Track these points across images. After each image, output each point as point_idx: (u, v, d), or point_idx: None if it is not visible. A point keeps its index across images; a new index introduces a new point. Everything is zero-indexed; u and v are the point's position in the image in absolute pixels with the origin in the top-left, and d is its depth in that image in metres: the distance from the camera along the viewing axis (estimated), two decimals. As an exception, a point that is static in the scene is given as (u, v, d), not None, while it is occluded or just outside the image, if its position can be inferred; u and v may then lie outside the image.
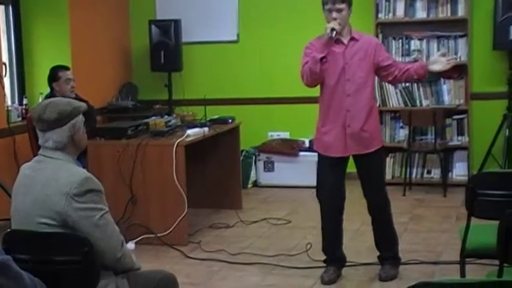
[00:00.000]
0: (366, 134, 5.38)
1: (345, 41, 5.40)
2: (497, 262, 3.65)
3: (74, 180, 3.34)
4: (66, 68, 7.13)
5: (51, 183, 3.36)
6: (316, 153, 5.55)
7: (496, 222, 3.64)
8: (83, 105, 3.59)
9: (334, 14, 5.25)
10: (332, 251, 5.62)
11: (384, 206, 5.61)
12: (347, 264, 5.68)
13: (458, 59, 8.42)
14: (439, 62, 5.40)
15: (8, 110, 7.45)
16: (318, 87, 5.47)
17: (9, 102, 7.64)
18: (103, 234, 3.36)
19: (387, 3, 8.62)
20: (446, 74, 7.77)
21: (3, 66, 7.44)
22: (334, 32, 5.19)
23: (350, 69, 5.34)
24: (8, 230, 3.42)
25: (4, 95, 7.36)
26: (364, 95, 5.39)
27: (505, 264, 3.61)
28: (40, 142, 3.53)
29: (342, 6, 5.28)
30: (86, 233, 3.30)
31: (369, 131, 5.40)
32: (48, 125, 3.48)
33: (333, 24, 5.20)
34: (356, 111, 5.35)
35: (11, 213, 3.54)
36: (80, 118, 3.52)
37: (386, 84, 8.27)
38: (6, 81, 7.59)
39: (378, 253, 5.70)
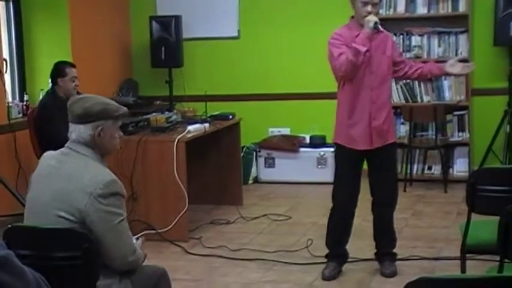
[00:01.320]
0: (385, 126, 5.43)
1: None
2: (497, 258, 3.65)
3: (100, 180, 3.35)
4: (73, 66, 7.10)
5: (75, 178, 3.36)
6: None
7: (497, 218, 3.65)
8: (120, 110, 3.56)
9: (370, 8, 5.23)
10: (336, 247, 5.62)
11: (390, 203, 5.63)
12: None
13: (459, 55, 8.42)
14: (457, 66, 5.47)
15: (8, 106, 7.44)
16: (333, 82, 5.48)
17: (9, 99, 7.64)
18: (117, 240, 3.37)
19: (388, -1, 8.64)
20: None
21: (4, 63, 7.44)
22: (377, 25, 5.18)
23: (374, 62, 5.32)
24: (9, 225, 3.43)
25: (5, 91, 7.36)
26: (386, 88, 5.46)
27: (506, 260, 3.62)
28: (69, 132, 3.52)
29: (377, 0, 5.32)
30: (101, 235, 3.31)
31: (388, 124, 5.46)
32: (72, 118, 3.49)
33: (375, 18, 5.18)
34: (380, 104, 5.38)
35: (26, 201, 3.54)
36: (110, 122, 3.50)
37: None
38: (7, 77, 7.60)
39: (375, 250, 5.70)
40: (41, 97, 7.32)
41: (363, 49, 5.12)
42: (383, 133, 5.43)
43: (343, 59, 5.15)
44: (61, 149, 3.54)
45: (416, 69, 5.57)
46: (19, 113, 7.60)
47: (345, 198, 5.50)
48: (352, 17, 5.42)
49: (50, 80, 7.03)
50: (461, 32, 8.52)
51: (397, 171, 6.03)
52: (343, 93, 5.44)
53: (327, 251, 5.68)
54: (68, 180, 3.37)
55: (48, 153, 3.61)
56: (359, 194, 5.54)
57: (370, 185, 5.59)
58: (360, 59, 5.14)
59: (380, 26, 5.19)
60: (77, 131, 3.48)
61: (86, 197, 3.31)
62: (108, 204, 3.34)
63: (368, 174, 5.59)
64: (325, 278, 5.51)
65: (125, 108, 3.62)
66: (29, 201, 3.51)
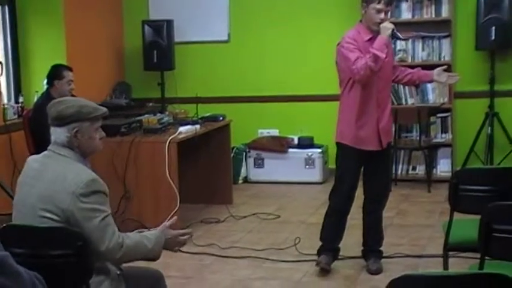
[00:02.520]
0: (388, 127, 5.51)
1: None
2: (478, 255, 3.67)
3: (81, 180, 3.35)
4: (70, 69, 7.09)
5: (58, 180, 3.37)
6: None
7: (478, 217, 3.67)
8: (96, 112, 3.54)
9: (383, 15, 5.24)
10: (331, 242, 5.62)
11: (382, 201, 5.67)
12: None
13: (442, 59, 8.47)
14: (443, 75, 5.53)
15: (4, 108, 7.43)
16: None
17: (5, 100, 7.62)
18: (102, 236, 3.36)
19: (374, 5, 8.64)
20: None
21: (0, 65, 7.42)
22: (395, 31, 5.23)
23: (383, 66, 5.32)
24: (4, 224, 3.43)
25: (0, 93, 7.34)
26: (388, 90, 5.57)
27: (486, 257, 3.64)
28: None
29: (390, 8, 5.34)
30: (87, 232, 3.30)
31: (390, 124, 5.55)
32: (50, 121, 3.51)
33: (392, 25, 5.19)
34: (384, 106, 5.43)
35: (13, 204, 3.54)
36: (87, 124, 3.49)
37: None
38: (3, 79, 7.58)
39: (362, 247, 5.72)
40: (35, 99, 7.30)
41: (383, 55, 5.09)
42: (388, 133, 5.52)
43: (362, 63, 5.09)
44: (44, 152, 3.55)
45: (407, 75, 5.64)
46: (14, 114, 7.58)
47: (345, 197, 5.51)
48: (360, 20, 5.42)
49: (45, 82, 7.00)
50: (444, 37, 8.55)
51: (391, 169, 6.05)
52: (350, 95, 5.39)
53: (314, 248, 5.69)
54: (51, 182, 3.37)
55: (32, 157, 3.63)
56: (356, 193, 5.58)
57: (365, 184, 5.62)
58: (379, 65, 5.12)
59: (398, 33, 5.21)
60: (55, 133, 3.49)
61: (68, 196, 3.31)
62: (90, 202, 3.34)
63: (364, 173, 5.62)
64: (323, 266, 5.51)
65: (103, 109, 3.59)
66: (16, 204, 3.52)
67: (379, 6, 5.21)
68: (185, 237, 3.73)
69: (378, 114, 5.40)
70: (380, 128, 5.40)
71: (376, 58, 5.06)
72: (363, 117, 5.39)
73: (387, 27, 5.17)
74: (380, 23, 5.20)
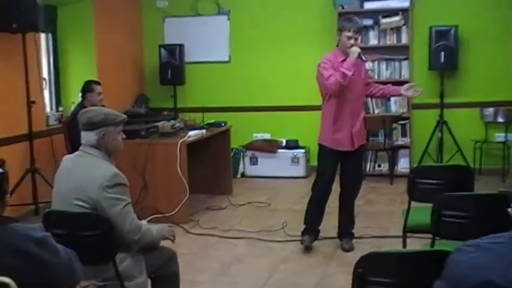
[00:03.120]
0: (360, 132, 5.49)
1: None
2: (431, 236, 3.69)
3: (106, 174, 3.37)
4: (99, 83, 7.09)
5: (88, 174, 3.38)
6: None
7: (431, 205, 3.68)
8: (118, 118, 3.56)
9: (353, 41, 5.26)
10: (313, 225, 5.63)
11: (355, 193, 5.68)
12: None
13: (402, 77, 8.48)
14: (410, 90, 5.54)
15: (47, 116, 7.42)
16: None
17: (48, 109, 7.61)
18: (124, 220, 3.37)
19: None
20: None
21: (44, 81, 7.42)
22: (361, 54, 5.22)
23: (354, 82, 5.33)
24: (47, 210, 3.43)
25: (44, 103, 7.33)
26: (360, 102, 5.56)
27: (437, 238, 3.65)
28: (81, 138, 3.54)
29: (358, 36, 5.35)
30: (111, 217, 3.31)
31: (362, 130, 5.52)
32: (81, 126, 3.52)
33: (359, 49, 5.22)
34: (356, 115, 5.43)
35: (52, 195, 3.55)
36: (112, 129, 3.51)
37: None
38: (46, 92, 7.56)
39: (338, 230, 5.72)
40: (72, 108, 7.29)
41: (349, 73, 5.15)
42: (360, 137, 5.49)
43: (333, 80, 5.16)
44: (76, 152, 3.57)
45: (379, 90, 5.66)
46: (55, 120, 7.56)
47: (324, 187, 5.51)
48: (337, 45, 5.43)
49: (80, 95, 7.02)
50: (404, 59, 8.56)
51: (363, 167, 6.05)
52: (328, 106, 5.42)
53: (299, 231, 5.70)
54: (82, 176, 3.39)
55: (67, 156, 3.65)
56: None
57: (341, 178, 5.62)
58: (347, 81, 5.17)
59: (363, 56, 5.22)
60: (85, 136, 3.50)
61: (96, 188, 3.33)
62: (114, 193, 3.35)
63: (340, 169, 5.61)
64: (307, 244, 5.55)
65: (124, 116, 3.63)
66: (54, 194, 3.53)
67: (349, 34, 5.25)
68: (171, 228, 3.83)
69: (351, 121, 5.39)
70: (353, 132, 5.40)
71: (344, 75, 5.12)
72: (338, 123, 5.40)
73: (355, 51, 5.20)
74: (350, 47, 5.23)
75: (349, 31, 5.25)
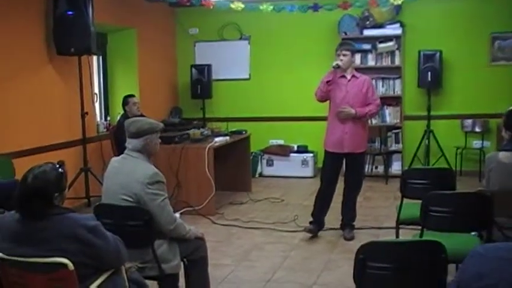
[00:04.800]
0: (352, 139, 5.37)
1: (348, 77, 5.41)
2: (419, 228, 3.66)
3: (147, 173, 3.39)
4: (133, 96, 7.16)
5: (132, 173, 3.40)
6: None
7: (419, 202, 3.66)
8: (159, 126, 3.60)
9: (339, 57, 5.33)
10: (318, 216, 5.61)
11: (356, 189, 5.64)
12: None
13: (396, 93, 8.45)
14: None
15: (97, 124, 7.47)
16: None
17: (98, 119, 7.67)
18: (161, 213, 3.38)
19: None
20: None
21: (95, 96, 7.48)
22: (336, 65, 5.27)
23: (349, 96, 5.32)
24: (97, 203, 3.46)
25: (95, 114, 7.39)
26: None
27: (425, 229, 3.63)
28: (126, 144, 3.56)
29: (346, 53, 5.36)
30: (151, 209, 3.33)
31: (354, 137, 5.38)
32: (130, 135, 3.53)
33: (336, 61, 5.30)
34: (348, 123, 5.36)
35: (102, 191, 3.58)
36: (154, 135, 3.54)
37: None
38: (97, 105, 7.62)
39: (341, 222, 5.70)
40: (117, 118, 7.34)
41: (326, 79, 5.31)
42: (352, 143, 5.38)
43: (318, 87, 5.39)
44: (122, 155, 3.59)
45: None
46: (104, 128, 7.61)
47: (325, 184, 5.52)
48: None
49: (122, 107, 7.10)
50: (397, 78, 8.50)
51: (363, 170, 6.01)
52: (329, 113, 5.52)
53: (308, 223, 5.68)
54: (127, 175, 3.41)
55: (114, 159, 3.67)
56: (337, 183, 5.56)
57: (345, 178, 5.61)
58: (324, 87, 5.30)
59: (337, 67, 5.28)
60: (132, 143, 3.52)
61: (139, 185, 3.35)
62: (154, 189, 3.37)
63: (345, 170, 5.60)
64: (308, 231, 5.53)
65: (162, 125, 3.66)
66: (103, 191, 3.56)
67: (337, 52, 5.39)
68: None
69: (342, 127, 5.37)
70: (344, 138, 5.37)
71: (323, 82, 5.33)
72: (331, 128, 5.44)
73: (332, 64, 5.33)
74: (338, 63, 5.31)
75: (337, 51, 5.41)
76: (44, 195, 2.60)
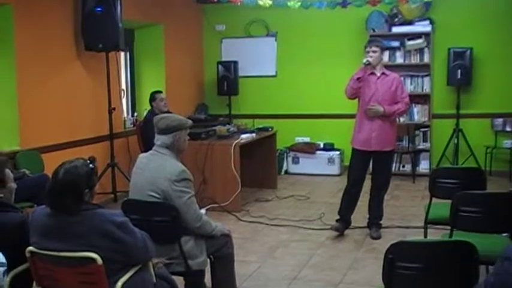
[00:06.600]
0: (380, 137, 5.34)
1: (378, 74, 5.39)
2: (449, 228, 3.63)
3: (175, 170, 3.41)
4: (160, 92, 7.21)
5: (159, 170, 3.42)
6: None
7: (449, 201, 3.63)
8: (188, 123, 3.63)
9: (369, 54, 5.32)
10: (345, 214, 5.59)
11: (383, 187, 5.59)
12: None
13: (424, 91, 8.37)
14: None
15: (124, 120, 7.53)
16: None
17: (125, 115, 7.73)
18: (187, 210, 3.40)
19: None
20: None
21: (122, 91, 7.55)
22: (367, 62, 5.25)
23: (379, 94, 5.30)
24: (125, 199, 3.49)
25: (122, 110, 7.46)
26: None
27: (454, 229, 3.59)
28: (154, 140, 3.58)
29: (376, 49, 5.35)
30: (178, 206, 3.35)
31: (381, 135, 5.35)
32: (159, 131, 3.55)
33: (367, 58, 5.29)
34: (377, 121, 5.32)
35: (130, 186, 3.60)
36: (183, 132, 3.57)
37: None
38: (124, 101, 7.69)
39: (367, 220, 5.66)
40: (144, 114, 7.40)
41: (356, 76, 5.27)
42: (380, 142, 5.34)
43: (348, 84, 5.35)
44: (150, 151, 3.61)
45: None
46: (131, 124, 7.66)
47: (351, 182, 5.49)
48: None
49: (149, 103, 7.14)
50: (426, 76, 8.42)
51: (391, 168, 5.94)
52: (358, 110, 5.49)
53: (334, 220, 5.66)
54: (155, 172, 3.42)
55: (142, 155, 3.69)
56: (364, 181, 5.52)
57: (372, 176, 5.57)
58: (355, 83, 5.27)
59: (367, 63, 5.26)
60: (161, 139, 3.53)
61: (166, 181, 3.36)
62: (181, 186, 3.38)
63: (372, 168, 5.57)
64: (335, 228, 5.52)
65: (190, 121, 3.69)
66: (131, 186, 3.58)
67: (366, 49, 5.38)
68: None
69: (370, 125, 5.34)
70: (372, 136, 5.33)
71: (353, 79, 5.29)
72: (359, 125, 5.41)
73: (363, 61, 5.31)
74: (368, 59, 5.30)
75: (366, 47, 5.40)
76: (74, 190, 2.63)
